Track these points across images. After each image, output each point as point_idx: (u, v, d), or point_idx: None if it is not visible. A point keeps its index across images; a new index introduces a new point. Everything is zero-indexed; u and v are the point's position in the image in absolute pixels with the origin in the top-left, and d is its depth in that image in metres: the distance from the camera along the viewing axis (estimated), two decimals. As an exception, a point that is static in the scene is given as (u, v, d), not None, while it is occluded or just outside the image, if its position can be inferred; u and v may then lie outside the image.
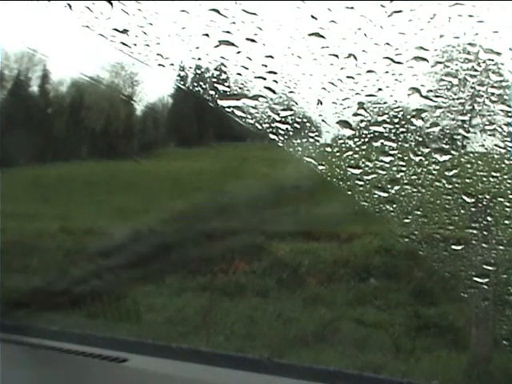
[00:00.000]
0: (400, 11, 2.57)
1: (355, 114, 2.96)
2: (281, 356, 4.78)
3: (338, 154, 3.22)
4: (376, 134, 3.06)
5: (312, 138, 3.18)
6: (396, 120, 3.10)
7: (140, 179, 16.24)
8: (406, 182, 3.28)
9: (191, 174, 16.05)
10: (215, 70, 2.91)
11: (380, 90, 2.88)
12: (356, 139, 3.13)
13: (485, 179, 3.32)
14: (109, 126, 22.01)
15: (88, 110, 22.28)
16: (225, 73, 2.89)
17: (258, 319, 5.82)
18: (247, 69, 2.73)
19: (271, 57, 2.70)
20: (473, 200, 3.26)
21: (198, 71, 3.08)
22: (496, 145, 3.31)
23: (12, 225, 9.48)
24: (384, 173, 3.18)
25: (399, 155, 3.20)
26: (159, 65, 2.69)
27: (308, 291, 6.66)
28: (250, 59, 2.69)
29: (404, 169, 3.25)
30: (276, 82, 2.83)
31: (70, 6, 2.40)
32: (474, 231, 3.31)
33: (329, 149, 3.22)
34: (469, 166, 3.32)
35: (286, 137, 3.09)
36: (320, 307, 6.21)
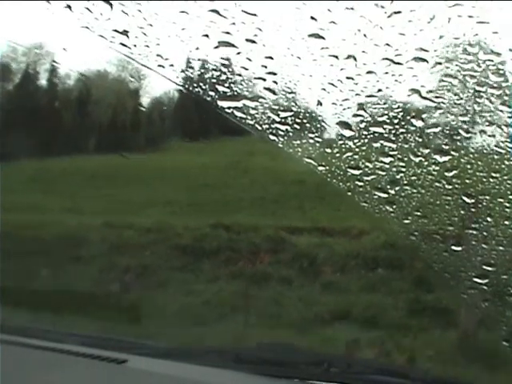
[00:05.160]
0: (400, 12, 2.57)
1: (355, 115, 2.96)
2: (304, 332, 5.68)
3: (337, 154, 3.22)
4: (376, 134, 3.06)
5: (312, 138, 3.18)
6: (396, 121, 3.11)
7: (149, 173, 16.22)
8: (405, 182, 3.28)
9: (198, 167, 16.06)
10: (215, 70, 2.91)
11: (380, 90, 2.88)
12: (356, 140, 3.13)
13: (485, 180, 3.32)
14: (115, 120, 22.06)
15: (95, 104, 22.31)
16: (225, 73, 2.89)
17: (283, 302, 6.86)
18: (247, 69, 2.73)
19: (271, 58, 2.71)
20: (473, 201, 3.26)
21: (199, 72, 3.08)
22: (496, 145, 3.31)
23: (53, 218, 10.11)
24: (384, 174, 3.18)
25: (399, 156, 3.20)
26: (159, 65, 2.69)
27: (324, 279, 7.71)
28: (249, 60, 2.69)
29: (404, 169, 3.26)
30: (276, 82, 2.83)
31: (69, 7, 2.40)
32: (474, 232, 3.31)
33: (329, 149, 3.22)
34: (469, 166, 3.32)
35: (285, 138, 3.09)
36: (335, 292, 7.24)
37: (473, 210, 3.33)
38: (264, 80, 2.78)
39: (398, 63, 2.73)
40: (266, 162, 12.94)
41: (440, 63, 2.78)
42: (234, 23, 2.54)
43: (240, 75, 2.77)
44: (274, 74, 2.78)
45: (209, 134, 18.77)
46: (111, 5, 2.42)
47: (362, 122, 2.99)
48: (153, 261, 8.66)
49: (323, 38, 2.61)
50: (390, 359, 5.05)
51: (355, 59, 2.71)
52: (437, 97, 2.92)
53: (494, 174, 3.33)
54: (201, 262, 8.63)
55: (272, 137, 3.04)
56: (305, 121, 3.12)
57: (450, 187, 3.26)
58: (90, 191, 14.25)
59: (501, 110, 3.09)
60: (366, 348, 5.33)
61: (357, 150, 3.14)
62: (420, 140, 3.16)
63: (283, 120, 3.03)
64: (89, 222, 10.60)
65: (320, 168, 3.20)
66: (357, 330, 5.83)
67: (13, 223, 8.96)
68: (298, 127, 3.09)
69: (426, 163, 3.25)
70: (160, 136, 22.76)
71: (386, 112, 3.06)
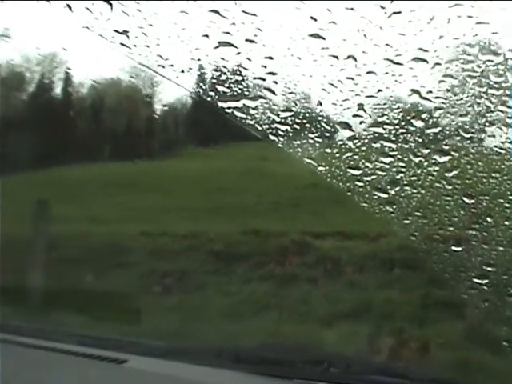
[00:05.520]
0: (400, 12, 2.57)
1: (355, 115, 2.96)
2: (330, 325, 6.47)
3: (337, 155, 3.22)
4: (376, 135, 3.06)
5: (312, 139, 3.18)
6: (396, 121, 3.11)
7: (163, 180, 16.47)
8: (405, 183, 3.28)
9: (212, 173, 16.25)
10: (215, 70, 2.91)
11: (380, 91, 2.88)
12: (356, 140, 3.13)
13: (485, 180, 3.32)
14: (129, 128, 22.15)
15: (108, 111, 22.39)
16: (225, 73, 2.90)
17: (310, 300, 7.60)
18: (247, 70, 2.73)
19: (271, 58, 2.71)
20: (473, 201, 3.26)
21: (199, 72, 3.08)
22: (496, 146, 3.31)
23: (92, 229, 10.63)
24: (384, 174, 3.18)
25: (399, 156, 3.20)
26: (159, 65, 2.69)
27: (346, 278, 8.45)
28: (249, 60, 2.69)
29: (404, 170, 3.26)
30: (276, 82, 2.84)
31: (69, 7, 2.40)
32: (474, 232, 3.31)
33: (329, 150, 3.23)
34: (469, 167, 3.32)
35: (285, 138, 3.09)
36: (356, 290, 7.97)
37: (473, 210, 3.33)
38: (264, 80, 2.78)
39: (398, 63, 2.73)
40: (279, 167, 13.18)
41: (440, 63, 2.78)
42: (233, 23, 2.54)
43: (240, 75, 2.77)
44: (274, 74, 2.78)
45: (222, 139, 18.84)
46: (111, 5, 2.42)
47: (361, 122, 3.00)
48: (189, 265, 9.40)
49: (323, 38, 2.61)
50: (407, 346, 5.73)
51: (355, 59, 2.71)
52: (437, 97, 2.92)
53: (494, 175, 3.33)
54: (234, 265, 9.32)
55: (272, 137, 3.04)
56: (305, 121, 3.12)
57: (450, 187, 3.26)
58: (104, 199, 14.44)
59: (501, 111, 3.09)
60: (385, 337, 5.99)
61: (357, 150, 3.15)
62: (420, 140, 3.16)
63: (283, 120, 3.03)
64: (124, 231, 11.20)
65: (320, 168, 3.20)
66: (376, 323, 6.56)
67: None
68: (297, 127, 3.09)
69: (426, 163, 3.25)
70: (174, 142, 22.87)
71: (385, 112, 3.06)
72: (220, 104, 2.90)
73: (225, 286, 8.44)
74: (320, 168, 3.22)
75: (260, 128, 3.03)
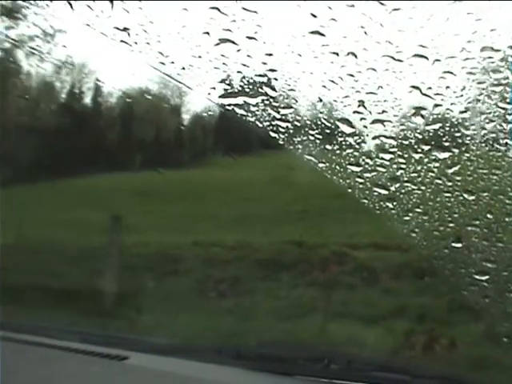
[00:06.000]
0: (400, 9, 2.57)
1: (355, 112, 2.96)
2: (370, 326, 7.24)
3: (338, 151, 3.22)
4: (376, 131, 3.06)
5: (312, 135, 3.18)
6: (396, 118, 3.11)
7: (193, 189, 16.91)
8: (406, 179, 3.28)
9: (240, 182, 16.66)
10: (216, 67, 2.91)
11: (380, 87, 2.88)
12: (356, 137, 3.13)
13: (485, 177, 3.33)
14: (158, 137, 22.27)
15: (138, 121, 22.49)
16: (225, 71, 2.89)
17: (349, 303, 8.35)
18: (248, 67, 2.73)
19: (271, 55, 2.71)
20: (473, 197, 3.26)
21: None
22: (496, 142, 3.31)
23: (144, 239, 11.48)
24: (384, 170, 3.19)
25: (399, 153, 3.21)
26: (160, 63, 2.69)
27: (382, 285, 9.20)
28: (250, 57, 2.69)
29: (404, 166, 3.26)
30: (276, 79, 2.84)
31: (70, 5, 2.40)
32: (475, 228, 3.31)
33: (329, 146, 3.23)
34: (469, 163, 3.32)
35: (286, 134, 3.09)
36: (391, 296, 8.66)
37: (473, 206, 3.33)
38: (265, 77, 2.78)
39: (399, 60, 2.73)
40: (305, 177, 13.47)
41: (440, 60, 2.78)
42: (234, 20, 2.54)
43: (240, 72, 2.77)
44: (275, 70, 2.78)
45: (249, 149, 18.89)
46: (112, 2, 2.43)
47: (362, 118, 3.00)
48: (240, 272, 10.21)
49: (324, 35, 2.61)
50: (437, 342, 6.41)
51: (356, 56, 2.71)
52: (437, 94, 2.92)
53: (494, 171, 3.33)
54: (281, 273, 10.10)
55: (272, 134, 3.04)
56: (305, 118, 3.13)
57: (451, 184, 3.26)
58: (137, 208, 14.63)
59: (501, 107, 3.09)
60: (419, 335, 6.61)
61: (357, 146, 3.15)
62: (420, 137, 3.16)
63: (283, 117, 3.03)
64: (181, 241, 12.08)
65: (320, 165, 3.20)
66: (411, 324, 7.22)
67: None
68: (298, 124, 3.10)
69: (426, 160, 3.25)
70: (202, 152, 22.94)
71: (386, 109, 3.06)
72: (220, 100, 2.90)
73: (274, 290, 9.25)
74: (320, 164, 3.23)
75: (261, 125, 3.03)
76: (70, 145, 16.80)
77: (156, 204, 15.53)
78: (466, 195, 3.25)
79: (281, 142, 3.09)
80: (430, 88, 2.89)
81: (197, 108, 24.39)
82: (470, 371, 5.07)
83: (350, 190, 3.25)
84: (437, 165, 3.24)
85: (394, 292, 8.87)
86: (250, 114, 2.94)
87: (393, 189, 3.25)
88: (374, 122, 3.02)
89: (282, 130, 3.05)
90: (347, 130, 3.02)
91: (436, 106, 2.98)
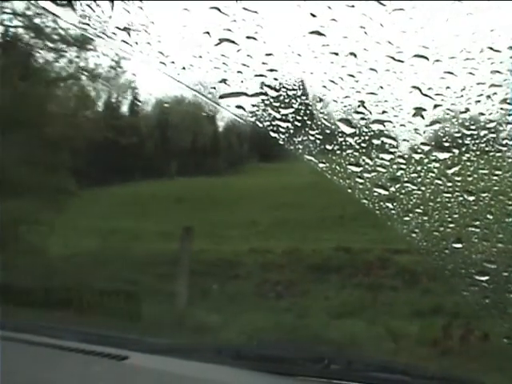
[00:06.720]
0: (401, 9, 2.57)
1: (356, 112, 2.96)
2: (411, 322, 8.17)
3: (338, 151, 3.22)
4: (377, 131, 3.06)
5: (312, 135, 3.17)
6: (396, 118, 3.10)
7: (230, 195, 17.83)
8: (406, 179, 3.28)
9: (276, 188, 17.14)
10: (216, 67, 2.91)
11: (381, 88, 2.88)
12: (356, 137, 3.13)
13: (486, 177, 3.32)
14: (194, 145, 22.40)
15: (174, 128, 22.59)
16: (225, 71, 2.89)
17: (393, 304, 9.34)
18: (248, 67, 2.73)
19: (271, 55, 2.71)
20: (473, 198, 3.26)
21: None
22: (497, 143, 3.30)
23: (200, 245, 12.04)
24: (384, 171, 3.19)
25: (399, 153, 3.20)
26: (160, 63, 2.69)
27: (422, 287, 10.11)
28: (250, 57, 2.69)
29: (404, 167, 3.26)
30: (276, 79, 2.84)
31: (71, 6, 2.40)
32: (475, 229, 3.31)
33: (329, 147, 3.22)
34: (469, 164, 3.31)
35: (286, 135, 3.09)
36: (430, 296, 9.56)
37: (473, 207, 3.32)
38: (265, 77, 2.78)
39: (399, 60, 2.73)
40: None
41: (440, 60, 2.78)
42: (234, 20, 2.54)
43: (241, 72, 2.77)
44: (275, 70, 2.78)
45: (283, 155, 18.97)
46: (112, 2, 2.43)
47: (362, 119, 3.00)
48: (294, 276, 11.28)
49: (324, 35, 2.61)
50: (472, 334, 7.05)
51: (356, 56, 2.71)
52: (437, 94, 2.91)
53: (494, 172, 3.32)
54: (330, 276, 11.22)
55: (272, 134, 3.04)
56: (305, 118, 3.12)
57: (451, 184, 3.26)
58: (179, 214, 15.20)
59: (501, 108, 3.09)
60: (455, 329, 7.34)
61: (357, 147, 3.15)
62: (420, 137, 3.16)
63: (284, 117, 3.03)
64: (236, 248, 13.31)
65: (320, 165, 3.20)
66: (447, 319, 7.88)
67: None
68: (298, 124, 3.09)
69: (426, 160, 3.25)
70: (237, 159, 23.04)
71: (386, 109, 3.06)
72: (221, 101, 2.90)
73: (324, 292, 10.30)
74: (320, 165, 3.22)
75: (261, 125, 3.03)
76: (118, 155, 17.28)
77: (195, 210, 16.04)
78: (466, 196, 3.25)
79: (281, 142, 3.09)
80: (430, 88, 2.89)
81: (231, 115, 24.45)
82: (503, 361, 5.26)
83: (350, 190, 3.26)
84: (437, 165, 3.24)
85: (432, 292, 9.67)
86: (249, 115, 2.94)
87: (393, 189, 3.25)
88: (375, 122, 3.02)
89: (282, 130, 3.05)
90: (347, 130, 3.02)
91: (436, 106, 2.97)
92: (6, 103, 10.18)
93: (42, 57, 12.91)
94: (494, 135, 3.25)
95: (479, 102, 3.05)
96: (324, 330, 7.70)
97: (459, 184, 3.26)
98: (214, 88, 2.88)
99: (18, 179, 10.43)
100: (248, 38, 2.60)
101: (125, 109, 23.01)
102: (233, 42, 2.60)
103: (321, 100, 3.03)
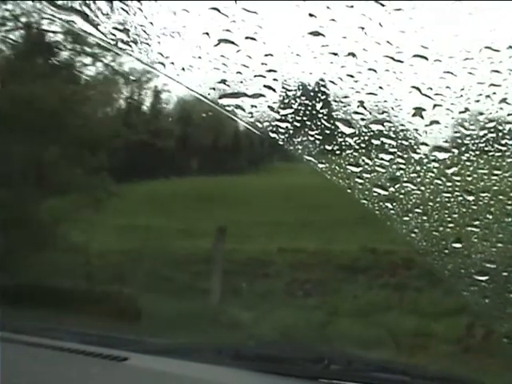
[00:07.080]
0: (400, 9, 2.57)
1: (355, 113, 2.96)
2: (435, 320, 8.69)
3: (337, 152, 3.22)
4: (376, 132, 3.06)
5: (312, 136, 3.17)
6: (396, 118, 3.10)
7: (252, 194, 17.73)
8: (405, 180, 3.28)
9: (298, 188, 17.02)
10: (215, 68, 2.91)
11: (380, 88, 2.88)
12: (356, 137, 3.12)
13: (485, 177, 3.32)
14: (216, 143, 22.40)
15: (196, 127, 22.58)
16: (225, 71, 2.89)
17: (417, 303, 9.80)
18: (247, 67, 2.72)
19: (271, 55, 2.71)
20: (473, 198, 3.26)
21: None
22: (496, 143, 3.30)
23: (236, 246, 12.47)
24: (384, 171, 3.18)
25: (399, 153, 3.20)
26: (160, 63, 2.69)
27: (444, 287, 9.92)
28: (249, 57, 2.69)
29: (404, 167, 3.25)
30: (276, 80, 2.83)
31: (72, 7, 2.40)
32: (475, 229, 3.31)
33: (329, 147, 3.22)
34: (469, 163, 3.31)
35: (286, 135, 3.09)
36: (453, 296, 9.27)
37: (473, 207, 3.32)
38: (264, 77, 2.78)
39: (399, 61, 2.73)
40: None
41: (440, 60, 2.77)
42: (234, 21, 2.54)
43: (240, 73, 2.77)
44: (274, 71, 2.78)
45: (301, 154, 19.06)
46: (112, 3, 2.42)
47: (362, 119, 2.99)
48: (322, 275, 11.58)
49: (323, 35, 2.61)
50: (494, 333, 6.73)
51: (355, 57, 2.71)
52: (437, 94, 2.91)
53: (494, 172, 3.32)
54: (357, 276, 11.46)
55: (272, 134, 3.04)
56: (305, 118, 3.12)
57: (450, 184, 3.26)
58: (200, 213, 15.32)
59: (500, 108, 3.09)
60: (477, 328, 7.51)
61: (357, 147, 3.14)
62: (420, 137, 3.16)
63: (283, 117, 3.03)
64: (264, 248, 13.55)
65: (320, 165, 3.20)
66: (470, 319, 7.95)
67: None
68: (298, 125, 3.09)
69: (425, 160, 3.25)
70: (260, 158, 23.02)
71: (386, 109, 3.06)
72: (220, 101, 2.90)
73: (352, 291, 10.64)
74: (320, 165, 3.22)
75: (260, 126, 3.03)
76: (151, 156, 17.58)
77: (217, 209, 15.92)
78: (465, 196, 3.25)
79: (280, 143, 3.09)
80: (430, 88, 2.89)
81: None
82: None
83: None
84: (436, 165, 3.24)
85: (456, 292, 9.45)
86: (249, 115, 2.94)
87: (392, 189, 3.25)
88: (374, 122, 3.02)
89: (282, 131, 3.05)
90: (347, 130, 3.02)
91: (436, 106, 2.97)
92: (51, 106, 10.44)
93: (81, 61, 13.22)
94: (493, 135, 3.25)
95: (479, 101, 3.05)
96: (353, 327, 8.16)
97: (459, 184, 3.26)
98: (214, 89, 2.88)
99: (60, 179, 10.73)
100: (247, 38, 2.59)
101: (156, 111, 23.05)
102: (232, 42, 2.59)
103: (321, 100, 3.03)
